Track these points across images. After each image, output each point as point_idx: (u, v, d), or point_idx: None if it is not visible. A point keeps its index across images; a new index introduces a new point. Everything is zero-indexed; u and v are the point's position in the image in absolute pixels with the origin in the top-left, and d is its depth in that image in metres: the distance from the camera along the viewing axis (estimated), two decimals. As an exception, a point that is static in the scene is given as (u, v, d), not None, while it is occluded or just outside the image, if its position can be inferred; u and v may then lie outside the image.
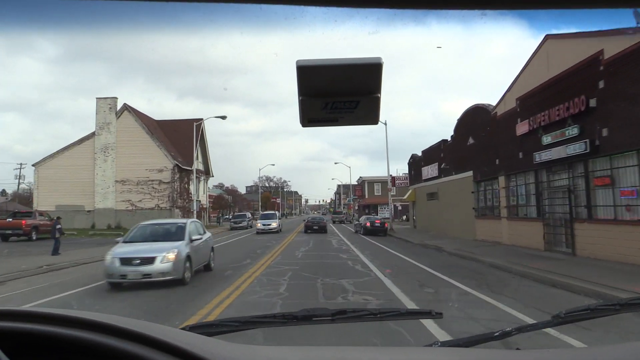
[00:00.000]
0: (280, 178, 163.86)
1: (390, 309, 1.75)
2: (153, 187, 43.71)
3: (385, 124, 37.96)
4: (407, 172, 43.91)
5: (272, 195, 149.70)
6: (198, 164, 52.30)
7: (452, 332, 6.01)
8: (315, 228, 37.51)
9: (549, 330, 3.16)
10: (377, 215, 73.44)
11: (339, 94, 0.92)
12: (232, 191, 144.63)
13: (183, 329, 1.42)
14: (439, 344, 1.49)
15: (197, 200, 50.81)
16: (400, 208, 72.27)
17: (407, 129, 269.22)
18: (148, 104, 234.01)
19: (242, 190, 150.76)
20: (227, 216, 75.54)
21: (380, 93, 0.93)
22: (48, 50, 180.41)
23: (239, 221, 46.14)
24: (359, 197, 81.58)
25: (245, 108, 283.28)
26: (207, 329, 1.54)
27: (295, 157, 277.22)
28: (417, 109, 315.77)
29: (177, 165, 43.45)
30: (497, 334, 1.56)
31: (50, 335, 1.00)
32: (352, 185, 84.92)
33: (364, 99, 0.94)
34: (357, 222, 38.09)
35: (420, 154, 37.52)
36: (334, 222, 71.43)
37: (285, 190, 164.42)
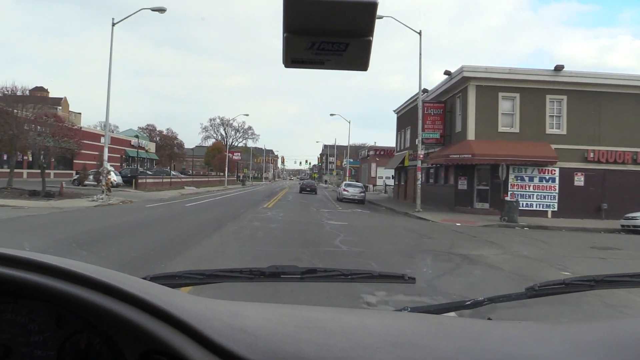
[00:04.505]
0: (244, 122, 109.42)
1: (362, 270, 1.71)
2: None
3: None
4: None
5: (230, 149, 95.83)
6: None
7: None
8: (308, 190, 45.96)
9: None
10: (509, 198, 20.10)
11: (327, 33, 0.85)
12: (167, 138, 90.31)
13: (144, 278, 1.32)
14: (409, 309, 1.46)
15: None
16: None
17: (394, 97, 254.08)
18: (121, 52, 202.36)
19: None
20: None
21: (372, 36, 0.86)
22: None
23: None
24: (436, 141, 26.89)
25: (229, 64, 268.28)
26: (170, 280, 1.47)
27: (277, 119, 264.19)
28: (405, 76, 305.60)
29: None
30: (468, 302, 1.52)
31: None
32: (422, 100, 30.37)
33: (355, 42, 0.87)
34: None
35: None
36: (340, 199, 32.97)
37: (250, 141, 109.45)
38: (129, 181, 36.23)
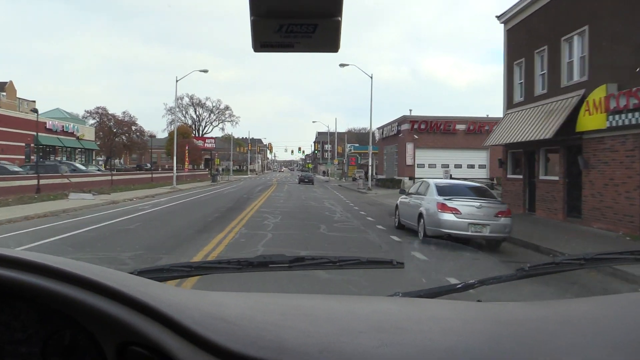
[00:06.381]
0: (219, 101, 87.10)
1: (350, 257, 1.71)
2: None
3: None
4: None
5: (203, 136, 73.58)
6: None
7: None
8: (306, 181, 50.33)
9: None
10: None
11: (295, 15, 0.84)
12: (123, 123, 68.00)
13: (132, 273, 1.34)
14: (401, 294, 1.47)
15: None
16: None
17: (384, 87, 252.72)
18: (110, 48, 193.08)
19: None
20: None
21: (341, 16, 0.85)
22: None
23: None
24: None
25: (217, 57, 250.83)
26: (157, 273, 1.46)
27: (268, 113, 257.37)
28: (394, 65, 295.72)
29: None
30: (459, 286, 1.54)
31: None
32: None
33: (323, 22, 0.85)
34: None
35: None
36: (429, 233, 11.81)
37: (228, 124, 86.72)
38: None
